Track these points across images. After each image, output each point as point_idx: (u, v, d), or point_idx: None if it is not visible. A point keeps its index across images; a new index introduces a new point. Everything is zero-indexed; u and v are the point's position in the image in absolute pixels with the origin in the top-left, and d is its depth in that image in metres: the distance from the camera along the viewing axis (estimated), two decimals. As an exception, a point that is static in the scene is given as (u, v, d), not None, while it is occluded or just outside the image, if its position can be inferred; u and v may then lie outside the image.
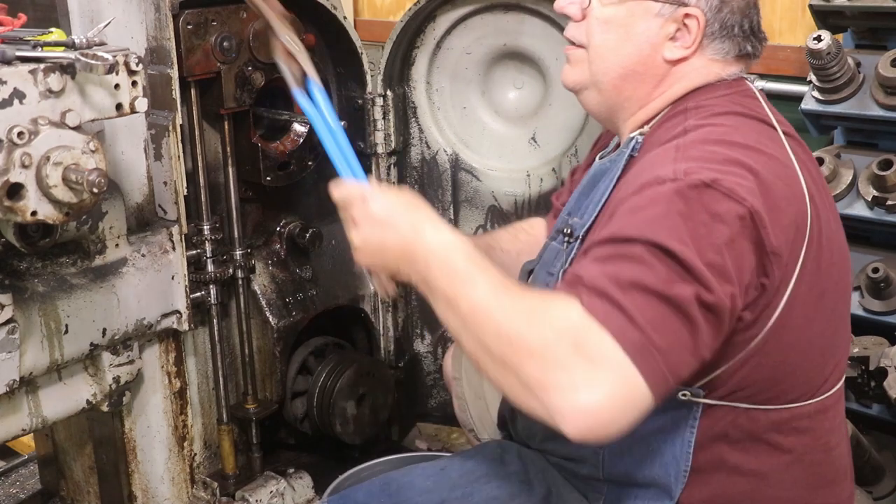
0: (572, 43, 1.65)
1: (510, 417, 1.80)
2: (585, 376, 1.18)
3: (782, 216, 1.37)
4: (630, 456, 1.51)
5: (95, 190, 1.48)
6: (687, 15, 1.52)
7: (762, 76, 2.63)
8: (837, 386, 1.57)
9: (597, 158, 1.71)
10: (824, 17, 2.31)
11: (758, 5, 1.59)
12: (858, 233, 2.35)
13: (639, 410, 1.21)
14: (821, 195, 1.51)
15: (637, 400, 1.20)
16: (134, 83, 1.59)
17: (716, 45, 1.54)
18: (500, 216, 2.74)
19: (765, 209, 1.33)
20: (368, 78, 2.52)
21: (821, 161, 2.24)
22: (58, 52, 1.52)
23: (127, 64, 1.58)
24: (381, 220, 1.42)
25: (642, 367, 1.19)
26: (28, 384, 1.89)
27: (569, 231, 1.60)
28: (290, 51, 1.66)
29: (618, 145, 1.67)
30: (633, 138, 1.56)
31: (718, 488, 1.50)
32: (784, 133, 1.52)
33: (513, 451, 1.74)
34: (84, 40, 1.56)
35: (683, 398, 1.44)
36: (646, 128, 1.57)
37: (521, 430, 1.76)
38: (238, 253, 2.32)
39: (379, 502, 1.65)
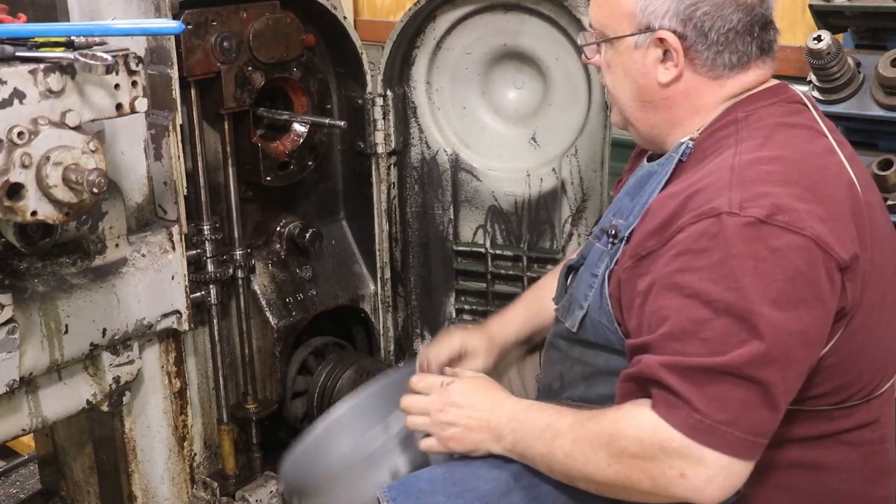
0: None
1: None
2: (680, 471, 1.38)
3: (844, 227, 1.40)
4: None
5: (95, 190, 1.48)
6: (660, 39, 1.57)
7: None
8: (893, 381, 1.59)
9: (644, 160, 1.72)
10: (824, 17, 2.31)
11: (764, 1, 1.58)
12: (858, 233, 2.35)
13: (736, 474, 1.38)
14: (873, 196, 1.54)
15: (727, 470, 1.37)
16: (134, 83, 1.59)
17: (707, 55, 1.56)
18: (500, 216, 2.74)
19: (827, 229, 1.37)
20: (368, 78, 2.52)
21: (821, 161, 2.25)
22: (57, 52, 1.52)
23: (127, 64, 1.58)
24: (461, 403, 1.68)
25: (715, 446, 1.35)
26: (28, 384, 1.89)
27: (613, 232, 1.62)
28: None
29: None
30: (683, 143, 1.59)
31: (780, 480, 1.53)
32: (836, 142, 1.54)
33: None
34: (84, 40, 1.56)
35: None
36: (696, 133, 1.60)
37: None
38: (238, 253, 2.32)
39: (444, 490, 1.63)
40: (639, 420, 1.42)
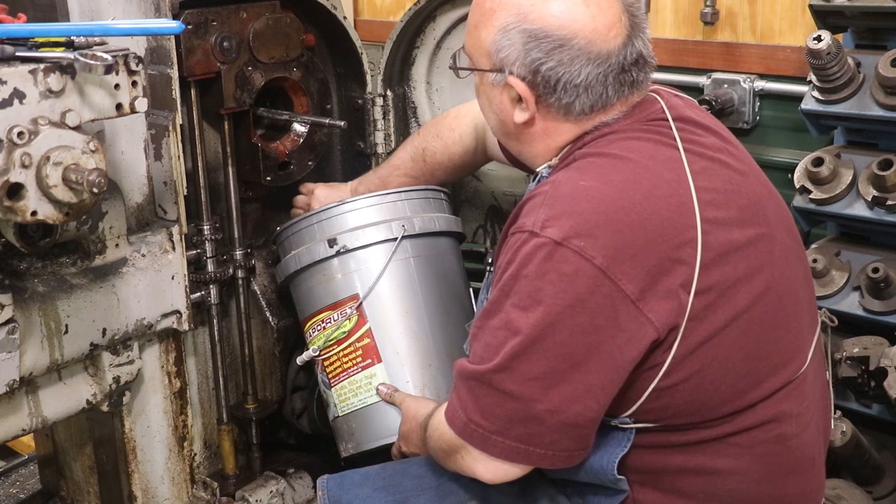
0: None
1: None
2: (468, 462, 1.53)
3: (650, 257, 1.40)
4: (565, 468, 1.55)
5: (95, 190, 1.49)
6: (507, 84, 1.55)
7: (762, 76, 2.62)
8: (797, 374, 1.55)
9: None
10: (824, 17, 2.31)
11: (629, 41, 1.52)
12: (858, 233, 2.35)
13: (518, 471, 1.49)
14: (727, 211, 1.48)
15: (504, 468, 1.49)
16: (134, 83, 1.60)
17: (560, 105, 1.54)
18: (500, 216, 2.74)
19: (623, 258, 1.38)
20: (368, 78, 2.52)
21: (821, 161, 2.24)
22: (57, 52, 1.52)
23: (127, 64, 1.58)
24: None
25: (488, 451, 1.48)
26: (28, 384, 1.89)
27: (490, 260, 1.76)
28: None
29: None
30: (539, 172, 1.63)
31: (671, 486, 1.53)
32: (687, 150, 1.50)
33: None
34: (84, 40, 1.56)
35: (612, 425, 1.50)
36: (554, 160, 1.61)
37: None
38: (238, 253, 2.32)
39: (373, 484, 1.73)
40: (438, 420, 1.61)
